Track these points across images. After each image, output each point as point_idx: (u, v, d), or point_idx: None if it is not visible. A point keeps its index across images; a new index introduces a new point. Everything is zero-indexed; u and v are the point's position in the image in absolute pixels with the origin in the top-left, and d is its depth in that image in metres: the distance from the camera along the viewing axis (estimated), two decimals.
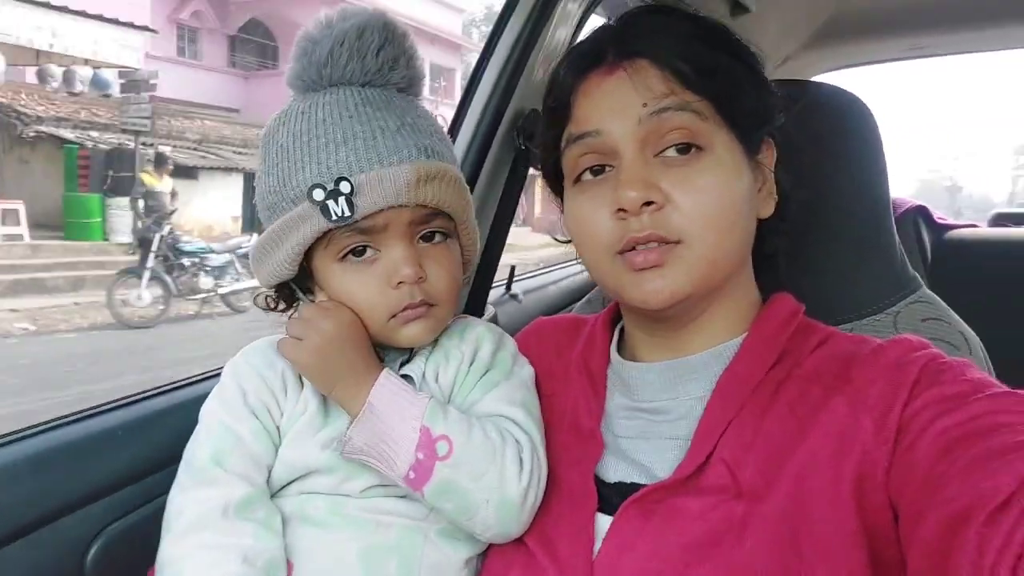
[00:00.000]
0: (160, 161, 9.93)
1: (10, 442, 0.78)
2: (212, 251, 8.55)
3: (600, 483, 0.70)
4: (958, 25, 1.93)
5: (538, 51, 1.19)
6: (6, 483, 0.75)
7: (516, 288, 1.58)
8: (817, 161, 0.86)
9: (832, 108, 0.91)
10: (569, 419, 0.77)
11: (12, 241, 10.05)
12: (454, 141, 1.13)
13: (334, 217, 0.68)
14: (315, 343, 0.70)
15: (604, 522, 0.67)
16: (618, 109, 0.68)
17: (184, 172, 10.66)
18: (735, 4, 1.47)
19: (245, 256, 7.89)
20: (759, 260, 0.76)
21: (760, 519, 0.60)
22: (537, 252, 11.24)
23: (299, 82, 0.75)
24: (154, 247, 8.15)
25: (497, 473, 0.68)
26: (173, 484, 0.71)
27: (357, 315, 0.72)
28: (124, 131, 11.40)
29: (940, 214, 1.74)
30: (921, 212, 1.67)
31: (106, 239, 11.12)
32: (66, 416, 0.85)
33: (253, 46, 19.95)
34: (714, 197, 0.66)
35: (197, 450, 0.71)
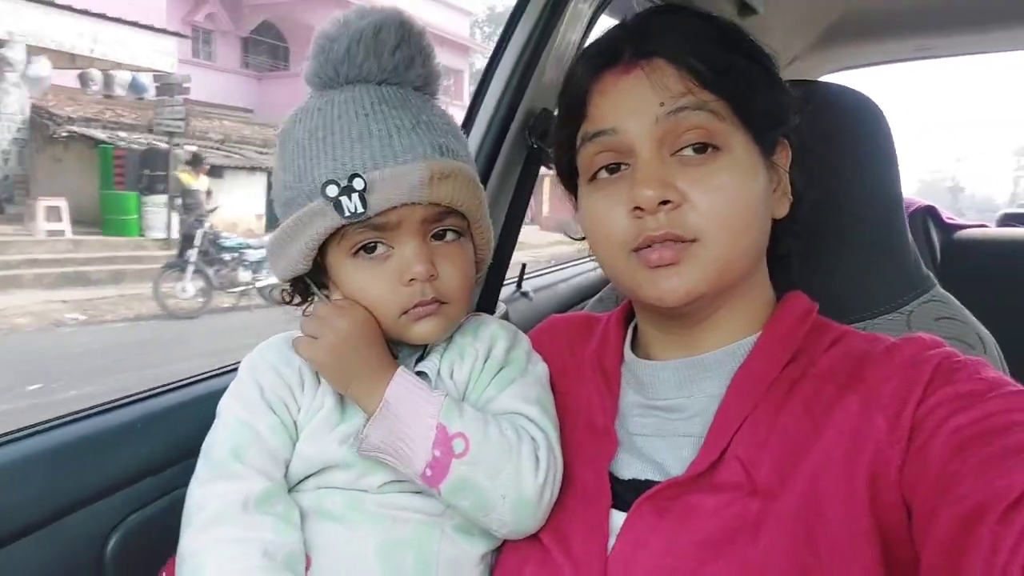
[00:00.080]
0: (196, 161, 10.18)
1: (29, 435, 0.78)
2: (250, 246, 8.75)
3: (614, 480, 0.70)
4: (965, 26, 1.90)
5: (549, 51, 1.18)
6: (26, 476, 0.74)
7: (527, 286, 1.57)
8: (830, 161, 0.84)
9: (844, 108, 0.90)
10: (584, 416, 0.76)
11: (55, 236, 10.31)
12: None
13: (347, 213, 0.67)
14: (330, 341, 0.69)
15: (618, 519, 0.66)
16: (635, 108, 0.67)
17: (212, 171, 10.79)
18: (743, 5, 1.44)
19: None
20: (773, 260, 0.75)
21: (775, 518, 0.59)
22: (547, 250, 11.34)
23: (316, 79, 0.74)
24: (197, 242, 8.37)
25: (513, 470, 0.68)
26: (192, 478, 0.70)
27: (369, 311, 0.71)
28: (159, 132, 11.67)
29: (949, 214, 1.70)
30: (930, 212, 1.65)
31: (142, 235, 11.42)
32: (85, 410, 0.85)
33: (265, 48, 20.06)
34: (730, 197, 0.65)
35: (215, 444, 0.71)
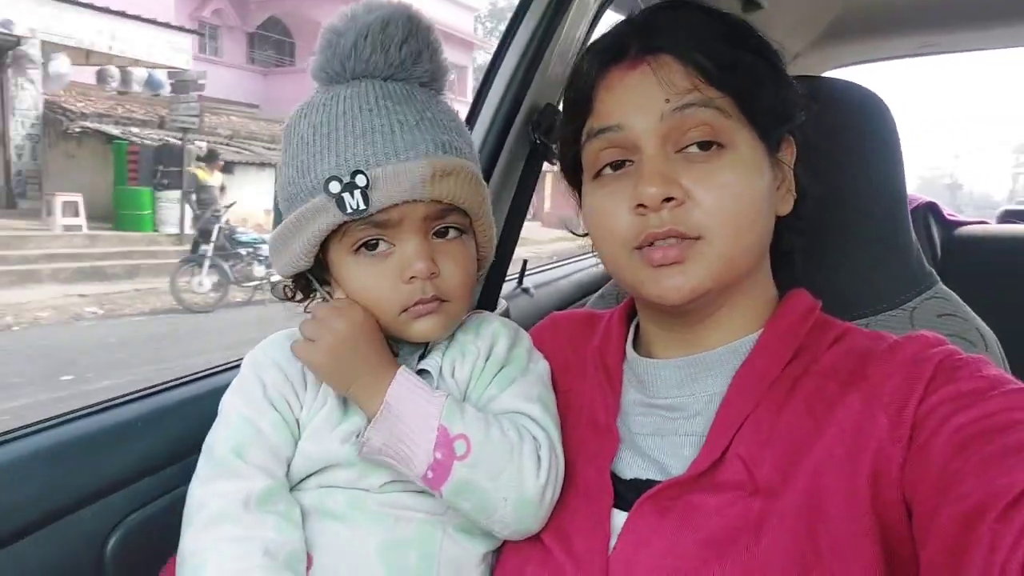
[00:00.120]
0: (211, 157, 10.23)
1: (29, 434, 0.77)
2: (264, 241, 8.80)
3: (616, 479, 0.69)
4: (967, 23, 1.88)
5: (554, 46, 1.16)
6: (25, 475, 0.73)
7: (528, 282, 1.55)
8: (835, 158, 0.83)
9: (850, 104, 0.88)
10: (586, 414, 0.75)
11: (72, 232, 10.34)
12: None
13: (349, 210, 0.66)
14: (328, 343, 0.68)
15: (620, 518, 0.65)
16: (640, 104, 0.66)
17: (224, 167, 10.80)
18: (747, 0, 1.41)
19: None
20: (776, 256, 0.74)
21: (777, 517, 0.58)
22: (550, 246, 11.38)
23: (322, 74, 0.73)
24: (213, 237, 8.45)
25: (515, 471, 0.67)
26: (193, 476, 0.69)
27: (369, 309, 0.70)
28: (173, 128, 11.71)
29: (950, 211, 1.67)
30: (931, 208, 1.64)
31: (156, 230, 11.42)
32: (84, 408, 0.84)
33: (271, 43, 20.04)
34: (735, 194, 0.64)
35: (217, 442, 0.70)
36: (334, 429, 0.70)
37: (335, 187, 0.66)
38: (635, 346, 0.78)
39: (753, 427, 0.63)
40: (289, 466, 0.70)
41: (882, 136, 0.88)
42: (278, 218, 0.75)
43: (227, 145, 12.59)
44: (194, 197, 9.45)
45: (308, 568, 0.67)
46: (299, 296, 0.78)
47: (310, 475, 0.71)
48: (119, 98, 12.89)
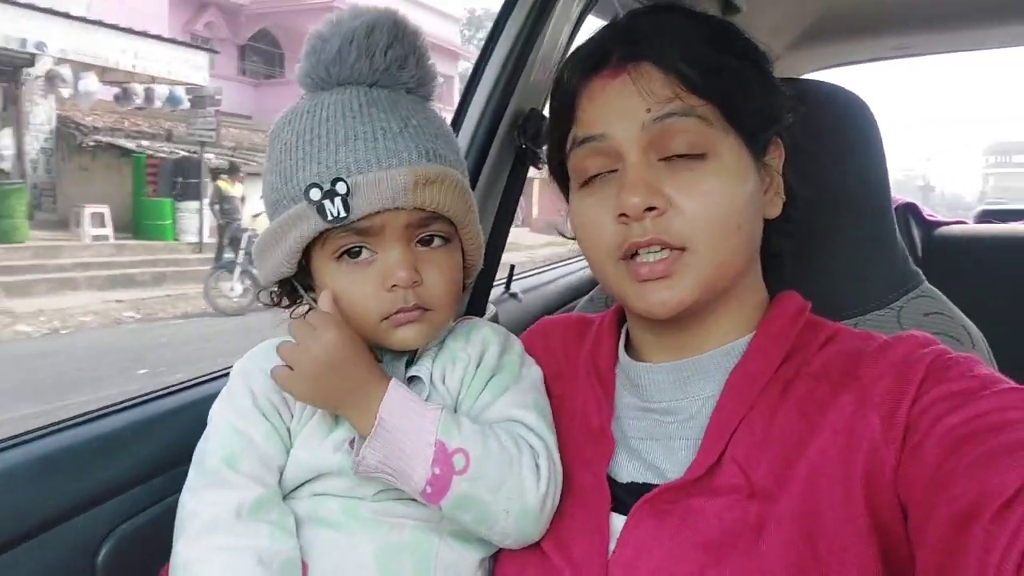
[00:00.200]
0: (233, 169, 10.44)
1: (19, 443, 0.74)
2: None
3: (612, 483, 0.67)
4: (943, 25, 1.86)
5: (537, 51, 1.13)
6: (16, 484, 0.71)
7: (516, 287, 1.52)
8: (821, 159, 0.82)
9: (834, 106, 0.86)
10: (580, 418, 0.73)
11: (100, 241, 10.64)
12: None
13: (329, 217, 0.63)
14: (307, 371, 0.64)
15: (618, 522, 0.63)
16: (622, 113, 0.64)
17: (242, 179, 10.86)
18: (726, 4, 1.35)
19: None
20: (765, 259, 0.72)
21: (774, 521, 0.57)
22: (541, 251, 11.53)
23: (308, 80, 0.71)
24: (243, 245, 8.60)
25: (515, 483, 0.64)
26: (184, 486, 0.67)
27: (350, 316, 0.67)
28: (191, 142, 12.00)
29: (929, 211, 1.62)
30: (911, 209, 1.63)
31: (176, 239, 11.69)
32: (75, 417, 0.81)
33: (262, 55, 19.99)
34: (718, 202, 0.62)
35: (208, 452, 0.67)
36: (326, 437, 0.68)
37: (316, 194, 0.63)
38: (627, 350, 0.76)
39: (747, 430, 0.62)
40: (281, 475, 0.68)
41: (866, 138, 0.86)
42: None
43: (232, 156, 12.60)
44: (217, 207, 9.64)
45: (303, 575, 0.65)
46: (285, 302, 0.75)
47: (303, 484, 0.68)
48: (125, 113, 13.17)
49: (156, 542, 0.67)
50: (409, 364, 0.72)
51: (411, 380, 0.70)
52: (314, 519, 0.67)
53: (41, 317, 7.42)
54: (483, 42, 1.14)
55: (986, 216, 2.81)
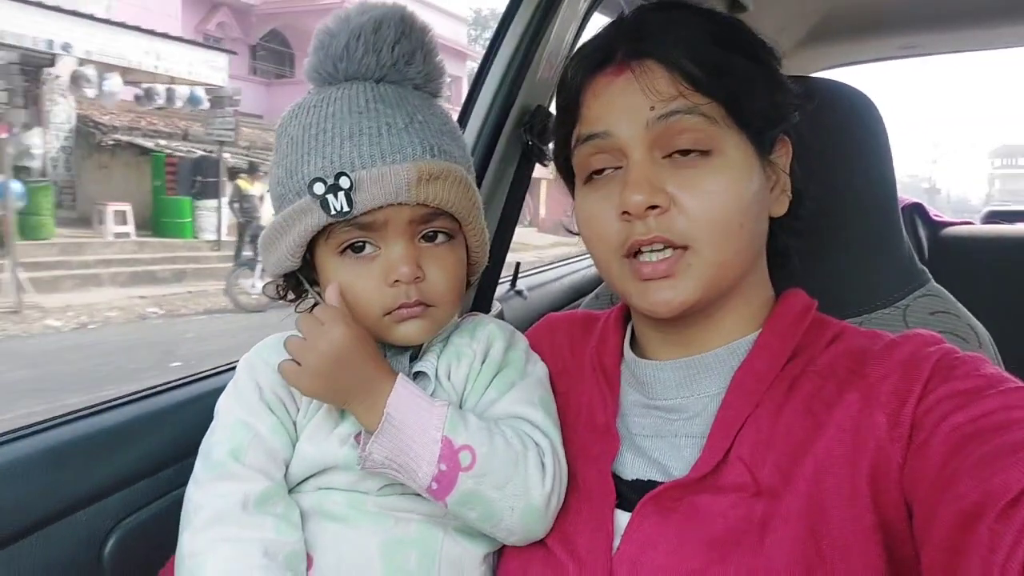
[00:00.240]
0: (253, 168, 10.57)
1: (26, 436, 0.74)
2: None
3: (617, 480, 0.66)
4: (950, 24, 1.84)
5: (543, 48, 1.12)
6: (23, 476, 0.70)
7: (521, 284, 1.50)
8: (828, 158, 0.80)
9: (840, 104, 0.85)
10: (585, 415, 0.72)
11: (122, 239, 10.73)
12: None
13: (332, 212, 0.63)
14: (313, 367, 0.63)
15: (623, 518, 0.63)
16: (626, 111, 0.63)
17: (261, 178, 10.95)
18: (732, 3, 1.32)
19: None
20: (772, 257, 0.71)
21: (780, 519, 0.56)
22: (551, 250, 11.52)
23: (316, 75, 0.70)
24: None
25: (521, 480, 0.64)
26: (190, 479, 0.67)
27: (352, 310, 0.66)
28: (210, 141, 12.12)
29: (936, 211, 1.59)
30: (917, 209, 1.61)
31: (195, 237, 11.77)
32: (82, 410, 0.80)
33: (273, 55, 20.03)
34: (721, 201, 0.61)
35: (214, 445, 0.67)
36: (332, 432, 0.67)
37: (319, 188, 0.63)
38: (632, 347, 0.75)
39: (753, 428, 0.61)
40: (287, 469, 0.67)
41: (873, 136, 0.84)
42: None
43: (246, 155, 12.68)
44: (237, 206, 9.75)
45: (308, 568, 0.64)
46: (291, 296, 0.74)
47: (308, 478, 0.68)
48: (141, 112, 13.31)
49: (162, 535, 0.66)
50: (413, 359, 0.71)
51: (417, 376, 0.69)
52: (319, 513, 0.66)
53: (69, 312, 7.57)
54: (489, 40, 1.12)
55: (993, 217, 2.76)
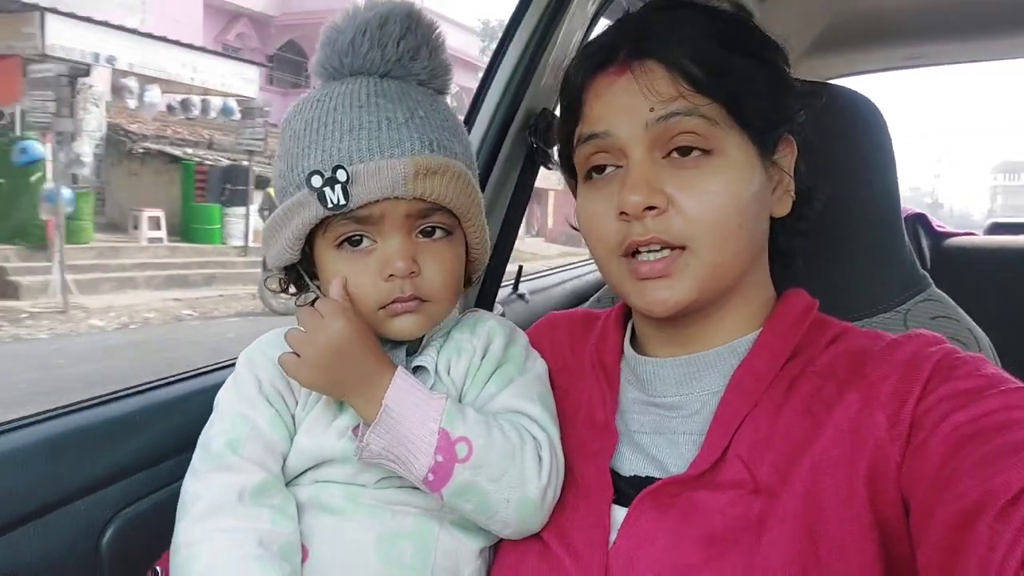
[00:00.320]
0: None
1: (27, 425, 0.73)
2: None
3: (615, 476, 0.65)
4: (955, 35, 1.81)
5: (549, 52, 1.11)
6: (23, 466, 0.70)
7: (523, 288, 1.49)
8: (834, 165, 0.79)
9: (846, 110, 0.84)
10: (584, 411, 0.71)
11: (155, 244, 10.90)
12: None
13: (329, 204, 0.62)
14: (313, 359, 0.63)
15: (620, 514, 0.62)
16: (626, 111, 0.62)
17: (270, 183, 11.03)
18: (739, 9, 1.27)
19: None
20: (774, 257, 0.69)
21: (777, 517, 0.55)
22: (557, 260, 11.44)
23: (321, 70, 0.70)
24: None
25: (517, 473, 0.63)
26: (188, 470, 0.66)
27: (352, 310, 0.66)
28: (239, 151, 12.25)
29: (939, 222, 1.55)
30: (920, 220, 1.59)
31: (224, 243, 11.85)
32: (83, 401, 0.80)
33: (289, 65, 20.23)
34: (720, 201, 0.60)
35: (213, 437, 0.66)
36: (330, 425, 0.66)
37: (317, 181, 0.62)
38: (632, 345, 0.74)
39: (752, 427, 0.60)
40: (285, 461, 0.67)
41: (878, 141, 0.83)
42: None
43: (268, 163, 12.81)
44: (267, 213, 9.94)
45: (304, 560, 0.63)
46: (292, 289, 0.73)
47: (306, 470, 0.67)
48: (168, 121, 13.50)
49: (160, 526, 0.65)
50: (410, 354, 0.70)
51: (416, 370, 0.68)
52: (316, 505, 0.65)
53: (111, 313, 7.74)
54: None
55: (997, 228, 2.68)
